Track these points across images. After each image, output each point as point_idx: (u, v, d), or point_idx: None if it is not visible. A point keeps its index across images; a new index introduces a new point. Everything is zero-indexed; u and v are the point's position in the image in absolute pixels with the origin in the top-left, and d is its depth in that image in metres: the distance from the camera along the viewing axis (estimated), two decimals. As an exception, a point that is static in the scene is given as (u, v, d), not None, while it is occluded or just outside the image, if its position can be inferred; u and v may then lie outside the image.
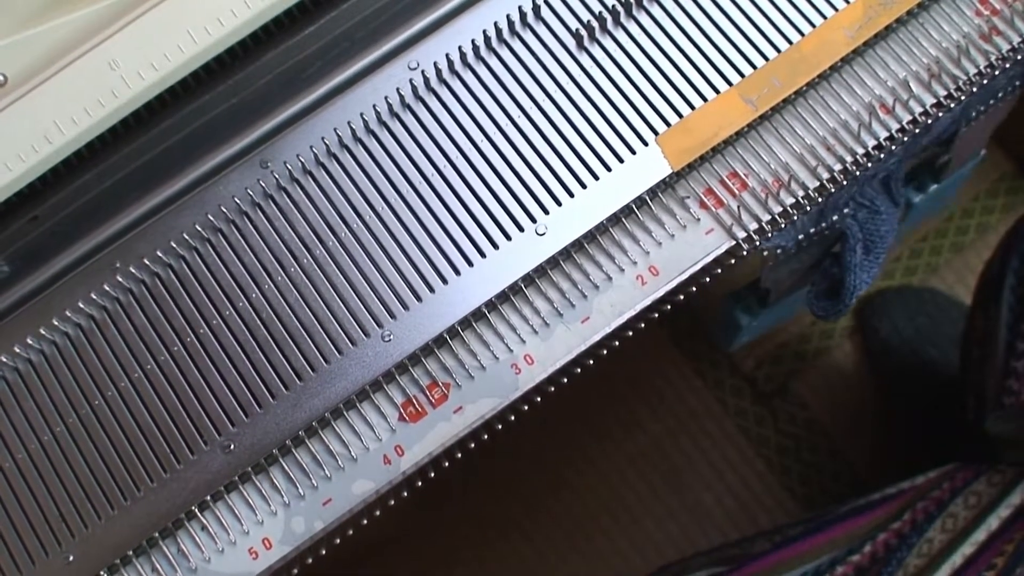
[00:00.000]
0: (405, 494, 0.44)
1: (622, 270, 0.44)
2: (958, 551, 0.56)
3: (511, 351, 0.43)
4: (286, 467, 0.43)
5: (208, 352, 0.44)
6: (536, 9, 0.48)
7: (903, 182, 0.52)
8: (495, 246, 0.44)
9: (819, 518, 0.63)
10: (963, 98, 0.45)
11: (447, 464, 0.44)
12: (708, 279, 0.46)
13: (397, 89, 0.47)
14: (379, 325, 0.43)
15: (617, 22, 0.47)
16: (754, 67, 0.46)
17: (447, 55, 0.47)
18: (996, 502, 0.57)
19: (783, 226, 0.45)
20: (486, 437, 0.44)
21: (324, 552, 0.43)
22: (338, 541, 0.43)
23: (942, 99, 0.45)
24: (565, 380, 0.45)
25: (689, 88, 0.46)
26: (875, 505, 0.62)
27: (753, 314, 0.91)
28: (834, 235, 0.53)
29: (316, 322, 0.44)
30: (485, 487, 0.94)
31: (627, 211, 0.45)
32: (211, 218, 0.46)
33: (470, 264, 0.44)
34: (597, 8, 0.47)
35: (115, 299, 0.45)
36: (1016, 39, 0.46)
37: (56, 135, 0.44)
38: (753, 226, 0.44)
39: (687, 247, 0.44)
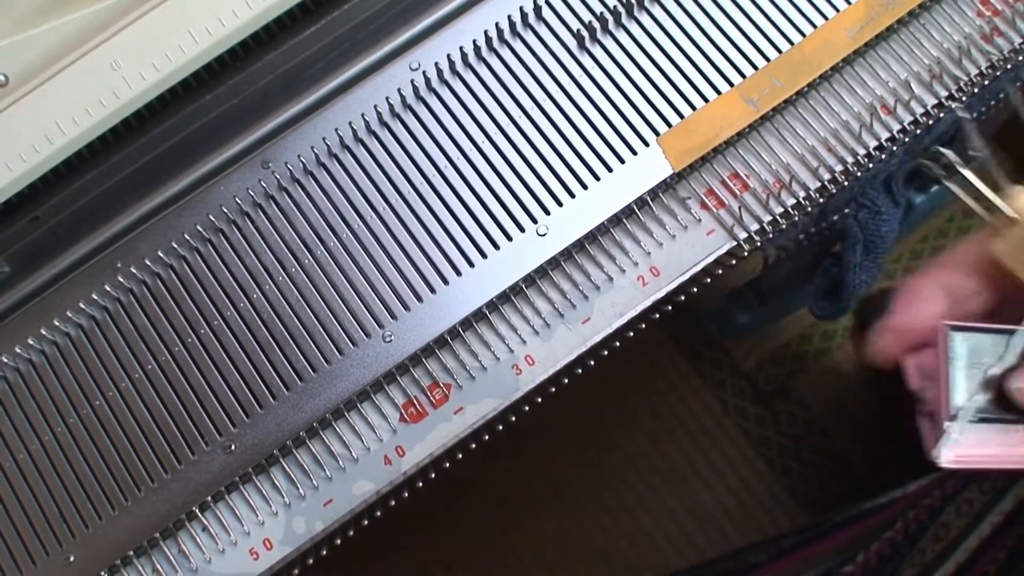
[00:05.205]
0: (406, 495, 0.44)
1: (623, 271, 0.44)
2: (951, 559, 0.56)
3: (512, 352, 0.43)
4: (287, 467, 0.43)
5: (209, 352, 0.44)
6: (537, 9, 0.48)
7: (904, 182, 0.52)
8: (496, 247, 0.44)
9: (813, 528, 0.63)
10: (964, 99, 0.45)
11: (448, 464, 0.44)
12: (709, 280, 0.46)
13: (398, 89, 0.47)
14: (380, 325, 0.43)
15: (618, 23, 0.47)
16: (755, 67, 0.46)
17: (448, 55, 0.47)
18: (988, 509, 0.57)
19: (784, 227, 0.45)
20: (487, 437, 0.44)
21: (324, 552, 0.43)
22: (339, 541, 0.43)
23: (943, 100, 0.45)
24: (566, 380, 0.45)
25: (690, 89, 0.46)
26: (867, 514, 0.62)
27: (752, 311, 0.91)
28: (834, 235, 0.53)
29: (317, 322, 0.44)
30: (485, 487, 0.94)
31: (628, 211, 0.45)
32: (212, 218, 0.46)
33: (471, 265, 0.44)
34: (598, 8, 0.47)
35: (116, 299, 0.45)
36: (1017, 40, 0.46)
37: (57, 135, 0.44)
38: (754, 227, 0.44)
39: (688, 248, 0.44)
